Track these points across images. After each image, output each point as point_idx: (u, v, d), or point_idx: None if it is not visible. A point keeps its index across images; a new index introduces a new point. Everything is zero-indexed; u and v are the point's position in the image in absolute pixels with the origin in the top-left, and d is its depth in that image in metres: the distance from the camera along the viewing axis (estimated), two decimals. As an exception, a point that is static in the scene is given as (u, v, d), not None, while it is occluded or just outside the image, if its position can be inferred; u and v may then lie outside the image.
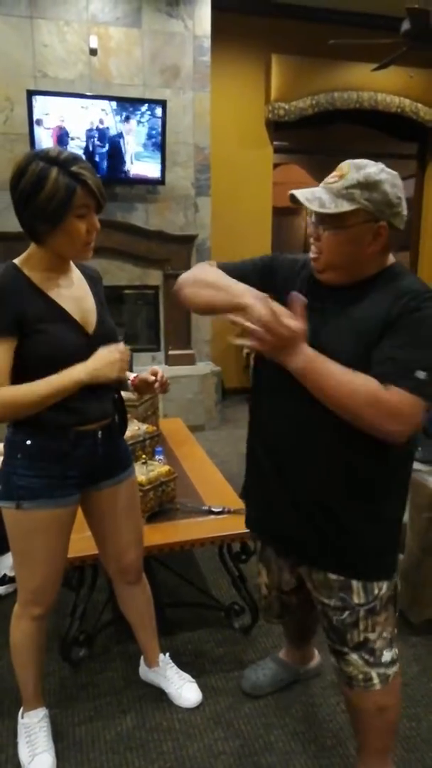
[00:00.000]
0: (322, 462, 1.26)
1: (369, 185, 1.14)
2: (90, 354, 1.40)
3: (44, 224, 1.30)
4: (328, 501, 1.28)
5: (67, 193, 1.26)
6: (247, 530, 1.58)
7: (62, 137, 4.07)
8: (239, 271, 1.31)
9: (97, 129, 4.13)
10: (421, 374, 1.11)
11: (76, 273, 1.49)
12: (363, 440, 1.17)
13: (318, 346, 1.15)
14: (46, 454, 1.43)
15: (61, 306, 1.40)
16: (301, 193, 1.18)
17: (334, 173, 1.19)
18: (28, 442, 1.42)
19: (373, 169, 1.16)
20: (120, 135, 4.19)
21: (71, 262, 1.48)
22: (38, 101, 3.96)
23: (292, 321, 1.10)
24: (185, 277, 1.36)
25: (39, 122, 4.00)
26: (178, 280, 1.37)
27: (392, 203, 1.17)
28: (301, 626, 1.82)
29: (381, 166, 1.18)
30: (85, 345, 1.41)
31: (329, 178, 1.19)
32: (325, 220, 1.18)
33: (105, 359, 1.36)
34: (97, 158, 4.16)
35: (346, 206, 1.14)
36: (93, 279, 1.55)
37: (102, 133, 4.15)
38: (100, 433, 1.50)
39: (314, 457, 1.27)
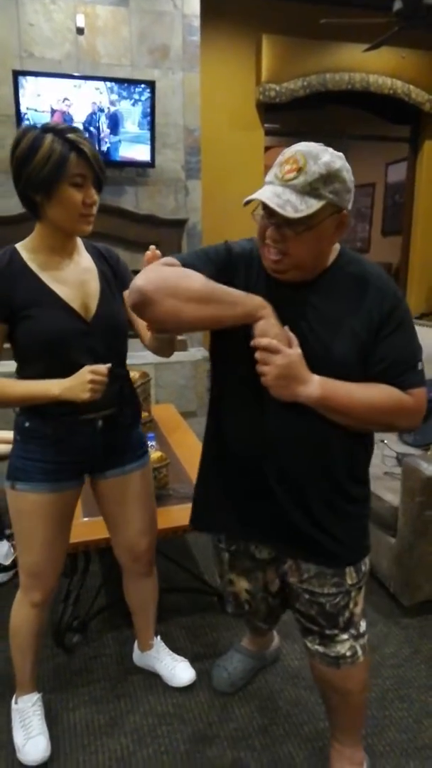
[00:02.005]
0: (314, 456, 1.24)
1: (331, 176, 1.07)
2: (90, 341, 1.40)
3: (40, 192, 1.30)
4: (325, 496, 1.26)
5: (60, 158, 1.26)
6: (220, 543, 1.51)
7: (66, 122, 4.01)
8: (201, 265, 1.18)
9: (88, 110, 4.05)
10: (420, 365, 1.21)
11: (84, 256, 1.47)
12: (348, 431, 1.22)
13: (308, 351, 1.13)
14: (41, 437, 1.43)
15: (54, 291, 1.37)
16: (267, 198, 1.08)
17: (287, 165, 1.09)
18: (27, 424, 1.44)
19: (328, 156, 1.08)
20: (109, 116, 4.12)
21: (79, 244, 1.46)
22: (28, 82, 3.89)
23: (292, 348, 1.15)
24: (146, 286, 1.09)
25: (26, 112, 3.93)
26: (134, 290, 1.09)
27: (350, 189, 1.13)
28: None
29: (330, 150, 1.10)
30: (82, 332, 1.39)
31: (286, 173, 1.09)
32: (292, 221, 1.08)
33: (79, 379, 1.34)
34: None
35: (315, 204, 1.07)
36: (105, 259, 1.51)
37: (89, 115, 4.08)
38: (100, 422, 1.48)
39: (305, 453, 1.24)
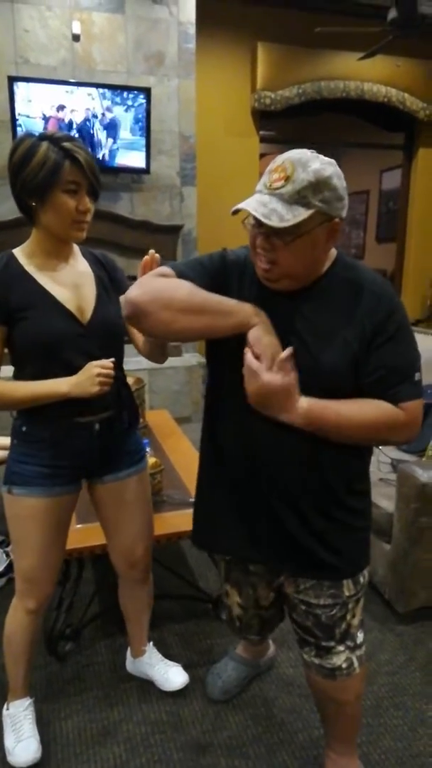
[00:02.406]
0: (307, 466, 1.22)
1: (320, 184, 1.05)
2: (86, 344, 1.41)
3: (34, 197, 1.33)
4: (321, 506, 1.24)
5: (55, 166, 1.29)
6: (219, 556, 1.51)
7: (64, 130, 4.01)
8: (195, 274, 1.18)
9: (83, 117, 4.06)
10: (417, 376, 1.18)
11: (80, 261, 1.49)
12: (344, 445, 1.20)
13: (299, 362, 1.11)
14: (38, 441, 1.43)
15: (50, 293, 1.39)
16: (253, 209, 1.07)
17: (275, 174, 1.08)
18: (24, 428, 1.44)
19: (318, 164, 1.07)
20: (105, 123, 4.13)
21: (75, 250, 1.48)
22: (20, 88, 3.89)
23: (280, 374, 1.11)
24: (140, 297, 1.11)
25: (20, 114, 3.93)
26: (129, 300, 1.12)
27: (342, 197, 1.10)
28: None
29: (321, 157, 1.09)
30: (78, 334, 1.40)
31: (274, 182, 1.07)
32: (279, 231, 1.07)
33: (86, 374, 1.37)
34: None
35: (303, 213, 1.05)
36: (102, 264, 1.53)
37: (84, 121, 4.08)
38: (97, 425, 1.47)
39: (298, 463, 1.22)
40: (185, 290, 1.13)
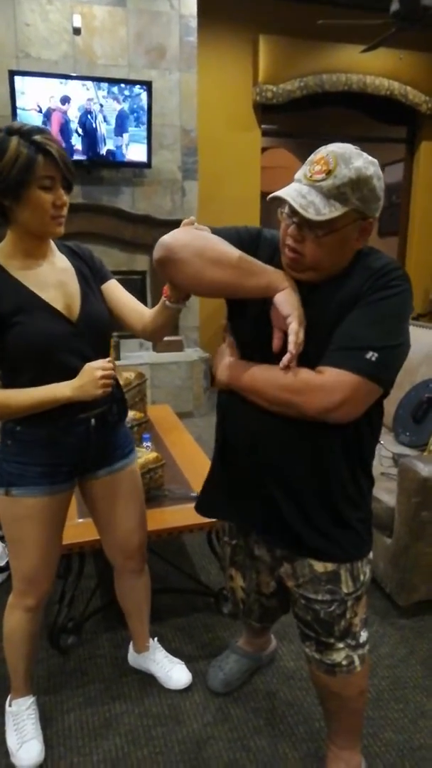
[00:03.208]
0: (302, 450, 1.23)
1: (360, 182, 1.06)
2: (78, 343, 1.39)
3: (8, 196, 1.27)
4: (319, 488, 1.25)
5: (28, 161, 1.23)
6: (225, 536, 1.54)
7: (65, 125, 4.02)
8: (229, 238, 1.19)
9: (85, 110, 4.05)
10: (370, 354, 1.09)
11: (58, 257, 1.45)
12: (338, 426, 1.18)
13: (309, 351, 1.12)
14: (35, 440, 1.41)
15: (38, 295, 1.35)
16: (292, 198, 1.06)
17: (317, 165, 1.08)
18: (18, 428, 1.41)
19: (360, 162, 1.07)
20: (105, 117, 4.11)
21: (52, 246, 1.44)
22: (20, 82, 3.88)
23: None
24: (174, 242, 1.13)
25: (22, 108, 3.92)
26: (162, 245, 1.14)
27: (379, 197, 1.11)
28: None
29: (364, 155, 1.10)
30: (70, 333, 1.38)
31: (316, 174, 1.07)
32: (313, 224, 1.07)
33: (88, 377, 1.35)
34: (80, 139, 4.09)
35: (339, 209, 1.06)
36: (80, 257, 1.50)
37: (86, 115, 4.07)
38: (93, 420, 1.47)
39: (299, 446, 1.23)
40: (219, 243, 1.14)
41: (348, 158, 1.07)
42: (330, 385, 1.10)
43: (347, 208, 1.06)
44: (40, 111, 3.97)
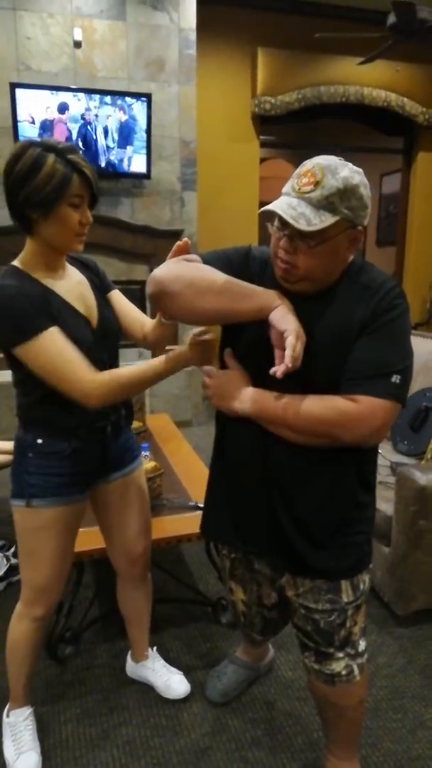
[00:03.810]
0: (308, 469, 1.24)
1: (348, 191, 1.08)
2: (97, 351, 1.40)
3: (37, 210, 1.28)
4: (319, 511, 1.26)
5: (63, 179, 1.26)
6: (222, 551, 1.54)
7: (68, 137, 4.07)
8: (219, 264, 1.21)
9: (84, 121, 4.08)
10: (394, 378, 1.13)
11: (71, 269, 1.47)
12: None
13: (306, 364, 1.12)
14: (57, 452, 1.43)
15: (70, 303, 1.39)
16: (283, 211, 1.08)
17: (304, 178, 1.10)
18: (39, 441, 1.42)
19: (346, 171, 1.09)
20: (104, 129, 4.15)
21: (65, 260, 1.46)
22: (21, 94, 3.91)
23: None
24: (165, 277, 1.15)
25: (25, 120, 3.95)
26: (153, 280, 1.16)
27: (366, 206, 1.13)
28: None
29: (349, 165, 1.12)
30: (92, 341, 1.40)
31: (304, 186, 1.09)
32: (304, 234, 1.09)
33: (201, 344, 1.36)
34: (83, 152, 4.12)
35: (329, 219, 1.08)
36: (91, 269, 1.53)
37: (85, 126, 4.11)
38: (109, 427, 1.50)
39: (313, 471, 1.24)
40: (209, 271, 1.17)
41: (334, 169, 1.09)
42: (368, 413, 1.13)
43: (337, 217, 1.09)
44: (33, 122, 3.98)
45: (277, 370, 1.08)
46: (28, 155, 1.26)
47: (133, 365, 1.37)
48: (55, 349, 1.29)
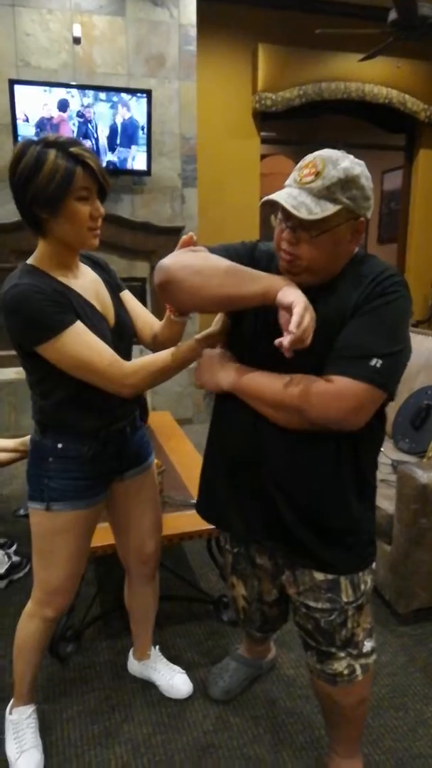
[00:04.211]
0: (305, 459, 1.24)
1: (348, 182, 1.09)
2: (115, 348, 1.37)
3: (45, 209, 1.26)
4: (313, 499, 1.26)
5: (66, 174, 1.23)
6: (225, 544, 1.54)
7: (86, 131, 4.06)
8: (226, 255, 1.22)
9: (84, 118, 4.07)
10: (374, 361, 1.11)
11: (85, 268, 1.45)
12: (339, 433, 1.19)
13: (310, 356, 1.11)
14: (77, 456, 1.42)
15: (90, 301, 1.37)
16: (284, 200, 1.09)
17: (305, 169, 1.12)
18: (60, 445, 1.41)
19: (347, 162, 1.10)
20: (111, 126, 4.14)
21: (78, 259, 1.44)
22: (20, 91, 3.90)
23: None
24: (172, 265, 1.16)
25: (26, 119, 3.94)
26: (161, 268, 1.17)
27: (368, 196, 1.14)
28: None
29: (350, 156, 1.13)
30: (110, 339, 1.39)
31: (305, 177, 1.11)
32: (306, 224, 1.09)
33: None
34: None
35: (330, 208, 1.08)
36: (102, 268, 1.52)
37: (85, 124, 4.10)
38: (128, 428, 1.50)
39: (297, 456, 1.24)
40: (215, 259, 1.18)
41: (335, 160, 1.10)
42: (339, 393, 1.12)
43: (338, 207, 1.09)
44: (27, 120, 3.96)
45: (283, 340, 1.04)
46: (29, 155, 1.23)
47: (159, 353, 1.37)
48: (83, 342, 1.28)
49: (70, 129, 4.06)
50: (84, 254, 1.49)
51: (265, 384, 1.19)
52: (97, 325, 1.35)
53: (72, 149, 1.24)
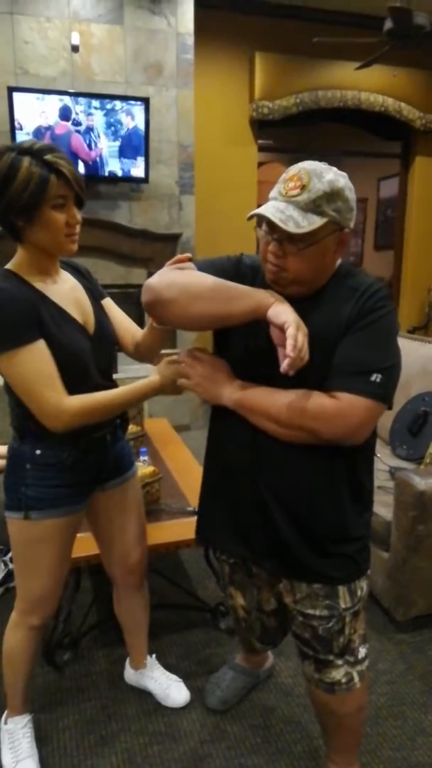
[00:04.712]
0: (304, 473, 1.24)
1: (333, 194, 1.10)
2: (96, 357, 1.38)
3: (20, 217, 1.25)
4: (313, 512, 1.25)
5: (40, 182, 1.21)
6: (221, 556, 1.53)
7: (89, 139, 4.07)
8: (212, 271, 1.22)
9: (81, 126, 4.09)
10: (375, 376, 1.13)
11: (65, 275, 1.44)
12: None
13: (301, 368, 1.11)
14: (56, 464, 1.40)
15: (65, 310, 1.36)
16: (271, 214, 1.10)
17: (290, 182, 1.12)
18: (38, 452, 1.39)
19: (332, 175, 1.11)
20: (109, 134, 4.15)
21: (57, 264, 1.43)
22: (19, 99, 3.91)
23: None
24: (158, 284, 1.16)
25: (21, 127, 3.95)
26: (148, 288, 1.17)
27: (352, 208, 1.15)
28: None
29: (334, 169, 1.14)
30: (90, 348, 1.38)
31: (290, 190, 1.11)
32: (293, 237, 1.10)
33: (166, 366, 1.39)
34: (80, 156, 4.12)
35: (317, 221, 1.10)
36: (83, 275, 1.51)
37: (85, 131, 4.11)
38: (109, 436, 1.49)
39: (296, 469, 1.24)
40: (202, 276, 1.18)
41: (320, 173, 1.11)
42: (346, 410, 1.13)
43: (325, 220, 1.10)
44: (21, 129, 3.96)
45: (284, 365, 1.05)
46: (2, 162, 1.22)
47: (106, 391, 1.37)
48: (31, 367, 1.26)
49: (74, 138, 4.06)
50: (65, 261, 1.47)
51: (271, 402, 1.18)
52: (70, 333, 1.34)
53: (46, 156, 1.23)
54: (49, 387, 1.28)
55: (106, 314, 1.51)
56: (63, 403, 1.29)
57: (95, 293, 1.51)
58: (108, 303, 1.55)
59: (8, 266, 1.34)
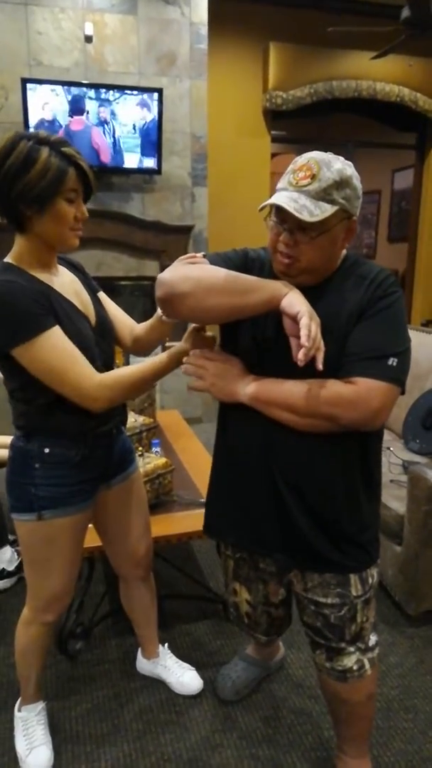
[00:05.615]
0: (316, 462, 1.23)
1: (343, 182, 1.12)
2: (99, 347, 1.38)
3: (31, 206, 1.23)
4: (328, 502, 1.25)
5: (58, 173, 1.22)
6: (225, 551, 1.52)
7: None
8: (221, 264, 1.23)
9: (93, 117, 4.08)
10: (391, 361, 1.14)
11: (61, 268, 1.43)
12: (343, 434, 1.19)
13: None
14: (65, 462, 1.39)
15: (69, 300, 1.35)
16: (285, 204, 1.10)
17: (300, 172, 1.13)
18: (47, 450, 1.37)
19: (339, 164, 1.13)
20: (116, 124, 4.14)
21: (56, 259, 1.42)
22: (35, 92, 3.91)
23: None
24: (174, 276, 1.16)
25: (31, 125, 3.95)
26: (162, 283, 1.16)
27: (359, 196, 1.16)
28: None
29: (341, 158, 1.15)
30: (94, 339, 1.38)
31: (301, 180, 1.12)
32: (306, 226, 1.11)
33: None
34: (93, 147, 4.11)
35: (329, 209, 1.11)
36: (78, 270, 1.50)
37: (99, 123, 4.10)
38: (114, 430, 1.49)
39: (308, 459, 1.24)
40: (214, 270, 1.17)
41: (328, 162, 1.13)
42: (365, 395, 1.13)
43: (336, 208, 1.12)
44: (28, 125, 3.95)
45: (299, 354, 1.05)
46: (20, 149, 1.20)
47: (133, 365, 1.35)
48: (58, 350, 1.25)
49: (94, 132, 4.06)
50: (60, 256, 1.45)
51: (288, 393, 1.18)
52: (78, 323, 1.34)
53: (64, 149, 1.23)
54: (81, 365, 1.27)
55: (104, 308, 1.51)
56: (100, 379, 1.29)
57: (91, 287, 1.51)
58: (103, 297, 1.54)
59: (7, 259, 1.32)
